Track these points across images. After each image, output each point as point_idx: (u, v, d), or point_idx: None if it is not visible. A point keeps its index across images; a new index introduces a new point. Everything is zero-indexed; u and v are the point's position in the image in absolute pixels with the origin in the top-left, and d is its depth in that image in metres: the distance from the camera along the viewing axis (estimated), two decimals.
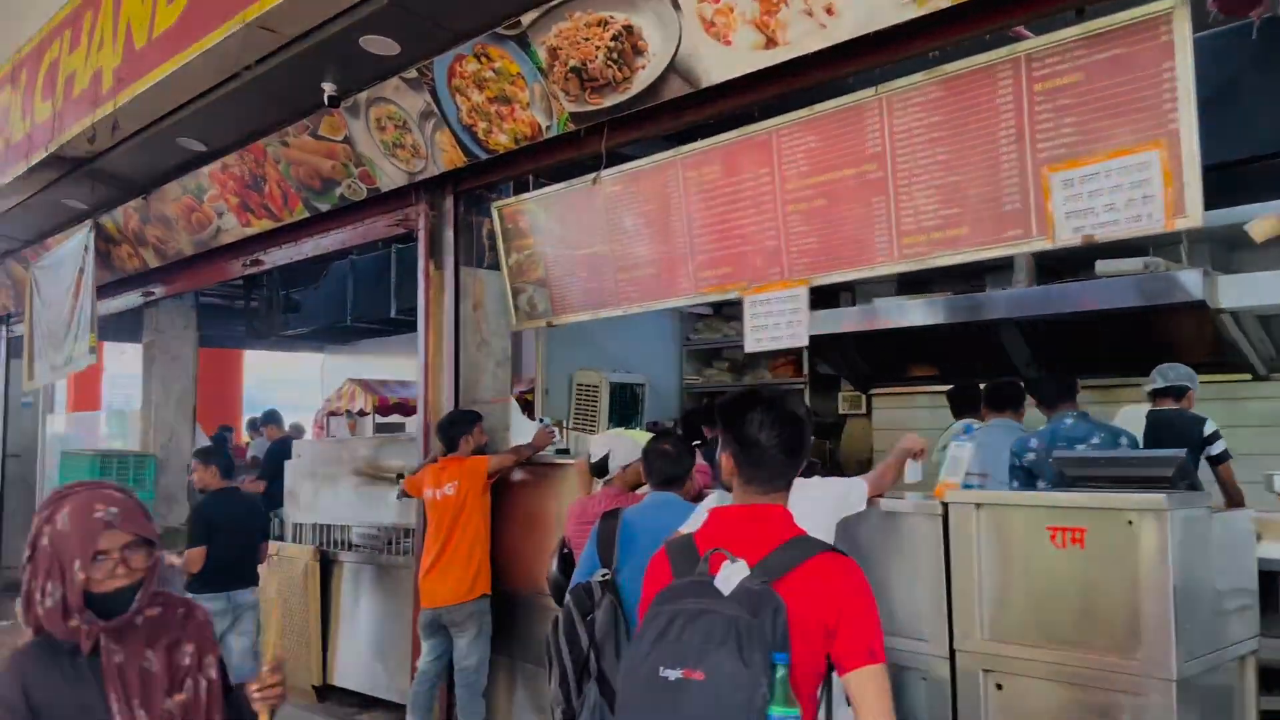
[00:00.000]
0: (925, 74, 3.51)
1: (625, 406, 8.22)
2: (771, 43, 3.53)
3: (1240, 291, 5.49)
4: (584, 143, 4.51)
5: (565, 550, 4.23)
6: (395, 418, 10.16)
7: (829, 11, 3.32)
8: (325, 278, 8.05)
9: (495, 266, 5.54)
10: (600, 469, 4.12)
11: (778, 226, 4.04)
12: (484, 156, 4.87)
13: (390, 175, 5.40)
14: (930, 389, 7.79)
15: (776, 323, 4.06)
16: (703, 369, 9.22)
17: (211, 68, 4.75)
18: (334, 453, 6.45)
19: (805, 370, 8.25)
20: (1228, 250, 6.14)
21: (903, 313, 6.76)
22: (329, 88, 4.87)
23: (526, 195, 5.16)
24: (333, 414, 10.04)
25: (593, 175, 4.56)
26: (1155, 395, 4.70)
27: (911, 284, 7.31)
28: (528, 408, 7.57)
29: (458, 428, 5.01)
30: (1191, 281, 5.45)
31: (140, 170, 6.67)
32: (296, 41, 4.37)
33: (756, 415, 2.14)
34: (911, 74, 3.54)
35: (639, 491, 4.00)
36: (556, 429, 5.38)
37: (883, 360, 7.88)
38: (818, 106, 3.87)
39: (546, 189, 5.04)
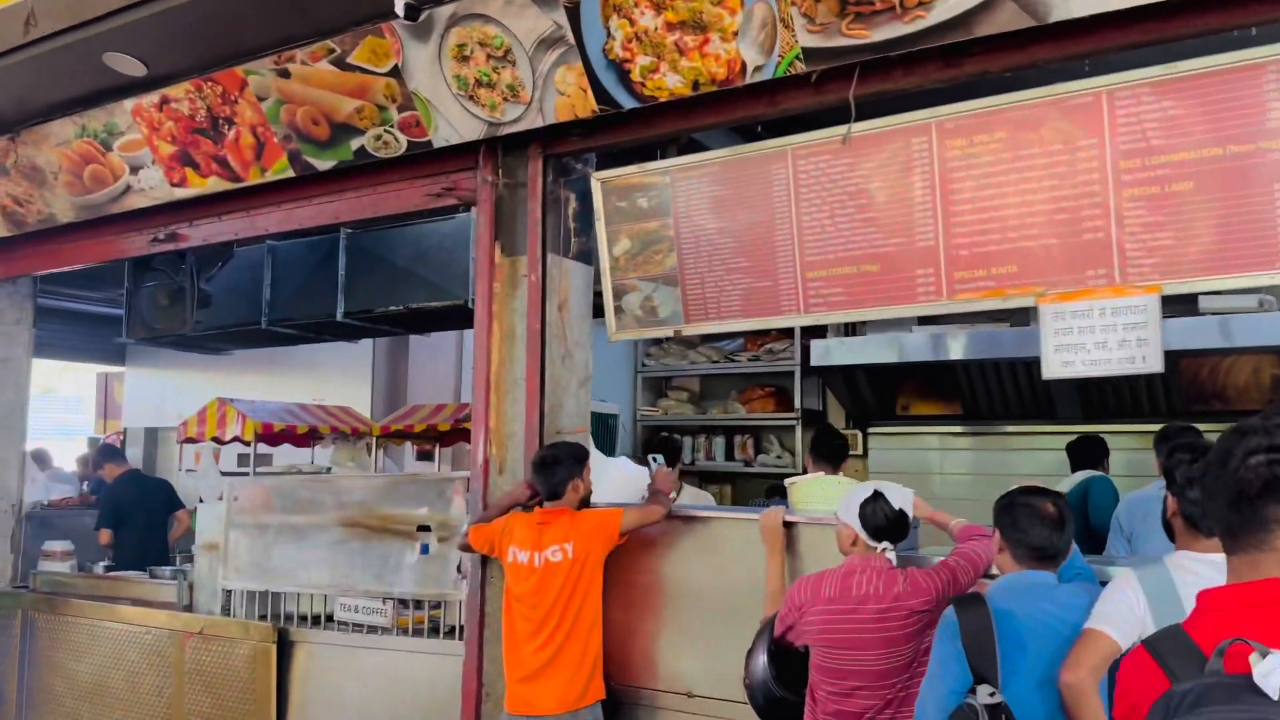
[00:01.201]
0: None
1: (599, 441, 6.96)
2: None
3: None
4: (821, 89, 3.37)
5: (782, 641, 3.07)
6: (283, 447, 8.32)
7: None
8: (223, 268, 6.28)
9: (580, 257, 4.24)
10: (898, 528, 2.98)
11: (1106, 215, 3.10)
12: (629, 106, 3.61)
13: (456, 125, 3.99)
14: (939, 429, 7.14)
15: (1102, 341, 3.10)
16: (657, 399, 8.12)
17: None
18: (302, 495, 4.79)
19: (797, 405, 7.34)
20: None
21: (967, 344, 6.03)
22: None
23: (667, 162, 3.93)
24: (189, 441, 8.03)
25: (841, 130, 3.42)
26: None
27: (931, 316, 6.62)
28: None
29: (563, 469, 3.66)
30: None
31: (12, 97, 4.79)
32: None
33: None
34: None
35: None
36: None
37: (893, 395, 7.12)
38: (1179, 65, 2.98)
39: (715, 153, 3.83)
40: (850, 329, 7.43)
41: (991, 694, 2.43)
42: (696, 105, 3.62)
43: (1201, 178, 2.96)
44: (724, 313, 3.84)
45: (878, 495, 3.01)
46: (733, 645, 3.54)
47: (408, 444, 9.38)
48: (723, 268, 3.82)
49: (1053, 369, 3.17)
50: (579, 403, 4.20)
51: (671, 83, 3.49)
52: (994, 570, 2.93)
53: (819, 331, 7.51)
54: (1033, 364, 6.09)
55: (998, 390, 6.54)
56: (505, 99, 3.81)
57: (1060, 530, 2.60)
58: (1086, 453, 5.39)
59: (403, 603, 4.42)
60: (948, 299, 3.37)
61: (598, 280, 4.27)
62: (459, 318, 5.74)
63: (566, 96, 3.69)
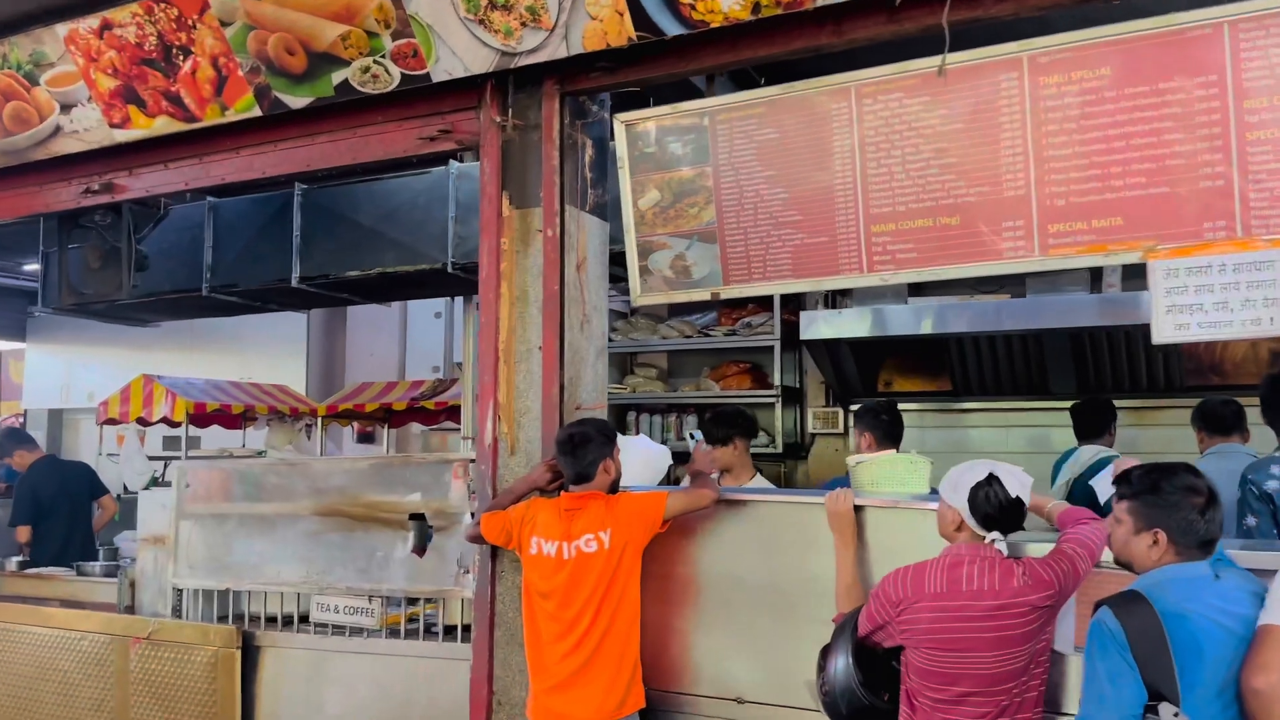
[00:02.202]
0: None
1: None
2: None
3: None
4: (899, 15, 2.97)
5: (866, 642, 2.70)
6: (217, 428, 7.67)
7: None
8: (155, 229, 5.58)
9: (597, 211, 3.77)
10: (1012, 517, 2.61)
11: (1226, 160, 2.78)
12: (674, 33, 3.16)
13: (461, 55, 3.47)
14: (928, 406, 6.86)
15: (1223, 301, 2.79)
16: (623, 376, 7.67)
17: None
18: (270, 481, 4.22)
19: (777, 381, 6.98)
20: None
21: (977, 316, 5.74)
22: None
23: (706, 102, 3.48)
24: (110, 422, 7.29)
25: (936, 61, 3.02)
26: None
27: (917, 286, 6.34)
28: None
29: (594, 448, 3.20)
30: None
31: None
32: None
33: None
34: None
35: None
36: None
37: (875, 371, 6.83)
38: None
39: (764, 91, 3.39)
40: (831, 301, 7.12)
41: (1175, 714, 2.08)
42: (746, 34, 3.18)
43: None
44: (770, 273, 3.42)
45: (992, 479, 2.63)
46: (788, 645, 3.16)
47: (348, 426, 8.80)
48: (770, 222, 3.40)
49: (1164, 333, 2.85)
50: (597, 375, 3.74)
51: (727, 5, 3.04)
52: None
53: (799, 304, 7.20)
54: (1030, 337, 6.01)
55: (990, 364, 6.29)
56: (524, 23, 3.31)
57: (1218, 512, 2.27)
58: (1094, 419, 5.08)
59: (393, 601, 3.90)
60: (1040, 255, 3.02)
61: (614, 239, 3.82)
62: (436, 283, 5.22)
63: (598, 21, 3.21)
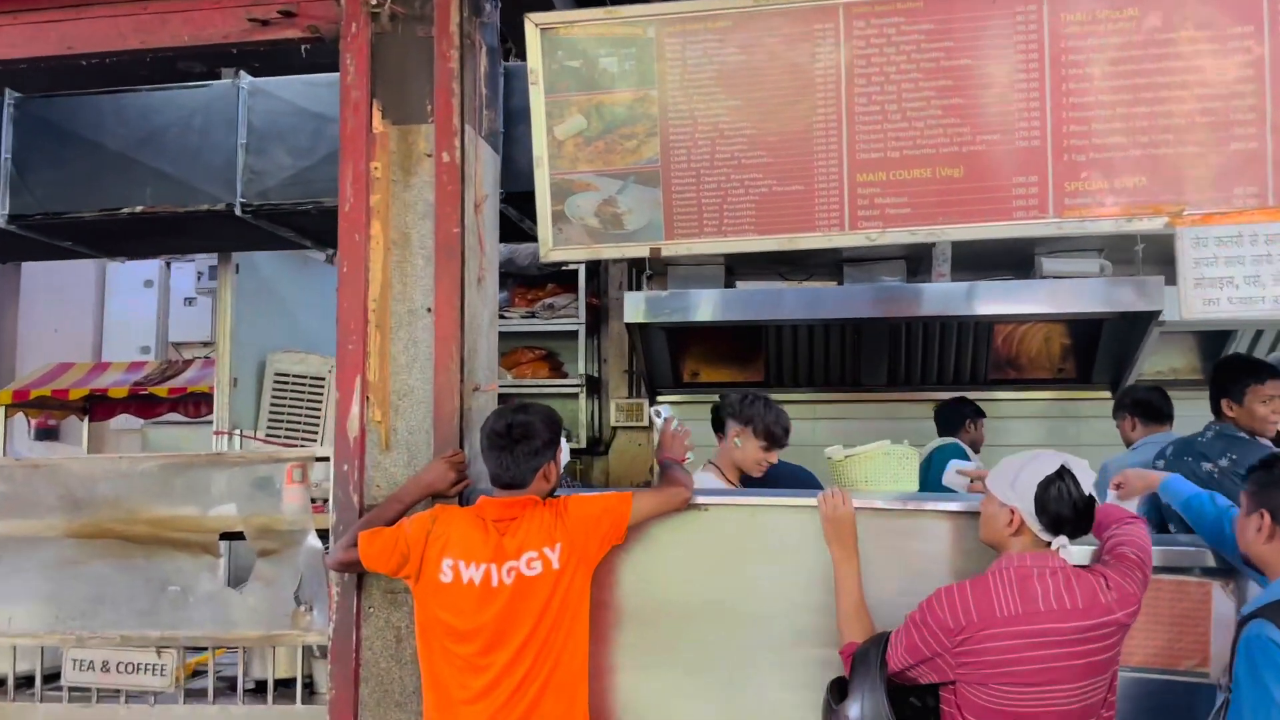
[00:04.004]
0: None
1: None
2: None
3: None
4: None
5: (899, 678, 2.22)
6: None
7: None
8: None
9: (489, 139, 2.96)
10: (1085, 520, 2.17)
11: (1260, 121, 2.54)
12: None
13: None
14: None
15: (1254, 275, 2.54)
16: None
17: None
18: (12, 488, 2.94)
19: (581, 370, 6.35)
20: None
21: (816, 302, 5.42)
22: None
23: (654, 8, 2.78)
24: None
25: None
26: None
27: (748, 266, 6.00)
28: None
29: (539, 446, 2.43)
30: (1154, 289, 5.07)
31: None
32: None
33: None
34: None
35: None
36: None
37: (687, 360, 6.40)
38: None
39: (730, 3, 2.74)
40: (635, 281, 6.60)
41: None
42: None
43: None
44: (727, 226, 2.80)
45: (1064, 473, 2.18)
46: (760, 681, 2.57)
47: (19, 418, 7.02)
48: (730, 164, 2.78)
49: (1192, 308, 2.57)
50: (491, 348, 2.94)
51: None
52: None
53: (601, 286, 6.63)
54: (849, 327, 5.83)
55: (805, 354, 6.06)
56: None
57: None
58: (950, 415, 4.96)
59: (198, 650, 2.85)
60: (1055, 216, 2.64)
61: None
62: (215, 231, 4.07)
63: None
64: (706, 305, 5.53)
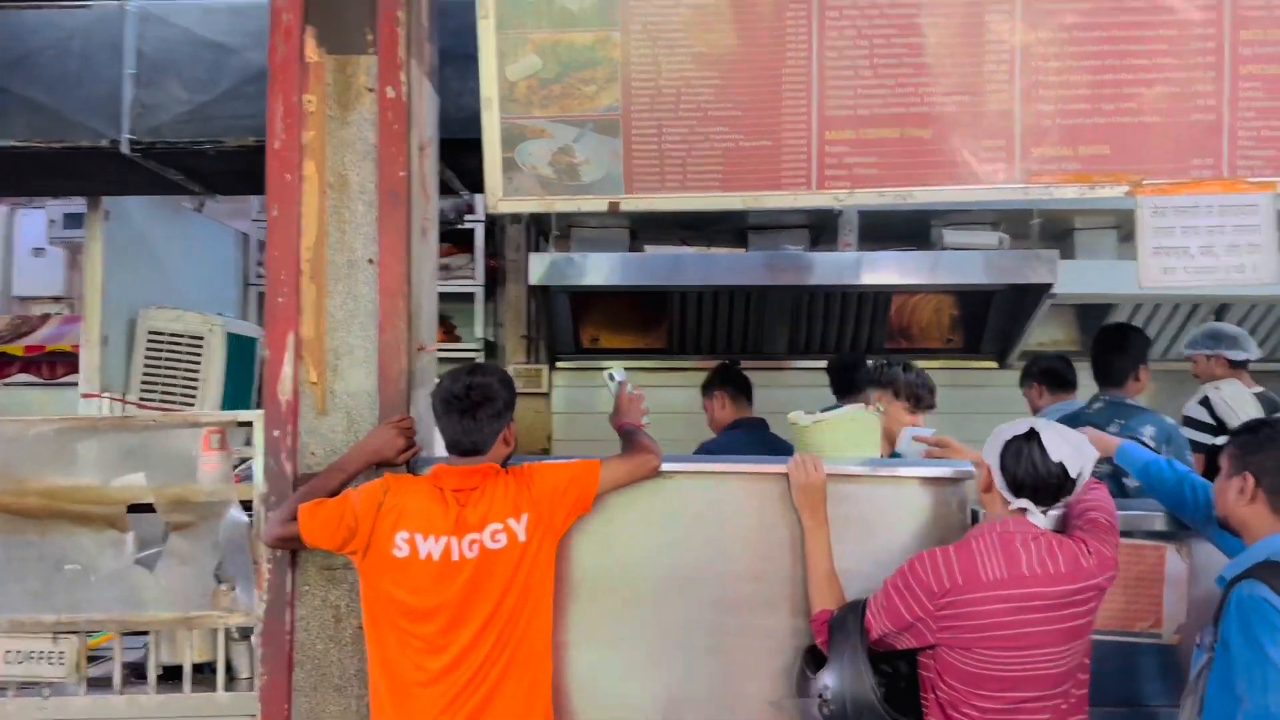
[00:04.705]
0: None
1: (240, 374, 5.08)
2: None
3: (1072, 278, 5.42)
4: None
5: (879, 645, 2.19)
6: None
7: None
8: None
9: (432, 79, 2.73)
10: (1049, 489, 2.16)
11: (1219, 93, 2.58)
12: None
13: None
14: (639, 365, 6.40)
15: (1208, 245, 2.60)
16: None
17: None
18: None
19: (479, 334, 6.11)
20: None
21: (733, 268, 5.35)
22: None
23: None
24: None
25: None
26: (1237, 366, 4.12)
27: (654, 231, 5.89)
28: None
29: (499, 409, 2.26)
30: (1048, 263, 5.25)
31: None
32: None
33: None
34: None
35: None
36: None
37: (586, 325, 6.25)
38: None
39: None
40: (534, 242, 6.40)
41: None
42: None
43: None
44: (691, 181, 2.67)
45: (1032, 435, 2.18)
46: (726, 652, 2.50)
47: None
48: (697, 115, 2.65)
49: (1151, 276, 2.61)
50: (432, 305, 2.72)
51: None
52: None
53: (497, 248, 6.38)
54: (754, 294, 5.79)
55: (709, 322, 6.00)
56: None
57: None
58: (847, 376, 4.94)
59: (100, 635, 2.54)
60: (1021, 182, 2.62)
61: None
62: (97, 172, 3.65)
63: None
64: (612, 269, 5.41)
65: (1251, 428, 2.08)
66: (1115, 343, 3.48)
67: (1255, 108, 2.58)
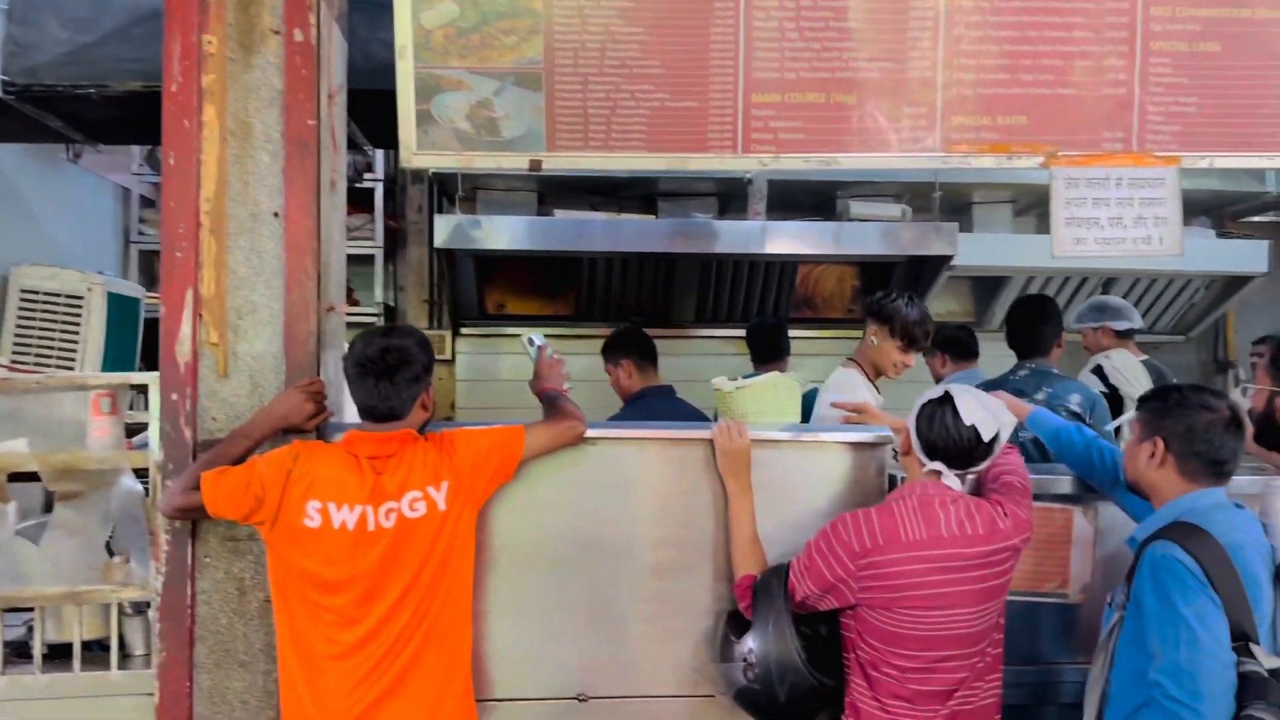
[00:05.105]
0: None
1: (122, 336, 4.79)
2: None
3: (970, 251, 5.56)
4: None
5: (803, 608, 2.21)
6: None
7: None
8: None
9: (340, 24, 2.59)
10: (962, 454, 2.19)
11: (1130, 68, 2.65)
12: None
13: None
14: (546, 331, 6.29)
15: (1117, 217, 2.67)
16: (156, 283, 5.95)
17: None
18: None
19: (379, 299, 5.93)
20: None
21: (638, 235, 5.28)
22: None
23: None
24: None
25: None
26: (1123, 336, 4.27)
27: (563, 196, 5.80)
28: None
29: (417, 372, 2.17)
30: (949, 235, 5.37)
31: None
32: None
33: None
34: None
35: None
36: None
37: (491, 290, 6.13)
38: None
39: None
40: (437, 204, 6.22)
41: (1268, 655, 1.86)
42: None
43: (1228, 40, 2.65)
44: (615, 140, 2.60)
45: (946, 399, 2.21)
46: (648, 619, 2.48)
47: None
48: (622, 71, 2.57)
49: (1063, 246, 2.66)
50: (341, 263, 2.59)
51: None
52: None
53: (398, 208, 6.18)
54: (664, 261, 5.75)
55: (618, 288, 5.95)
56: None
57: (1244, 438, 2.10)
58: (774, 343, 4.92)
59: None
60: (941, 150, 2.64)
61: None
62: None
63: None
64: (519, 233, 5.30)
65: (1161, 394, 2.14)
66: (1039, 313, 3.56)
67: (1164, 83, 2.65)
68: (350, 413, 2.31)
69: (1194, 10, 2.64)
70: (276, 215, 2.33)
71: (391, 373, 2.11)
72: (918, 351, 3.01)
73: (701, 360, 5.88)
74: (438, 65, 2.55)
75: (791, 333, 6.36)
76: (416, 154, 2.58)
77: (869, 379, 3.06)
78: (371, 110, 3.00)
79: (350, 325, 5.84)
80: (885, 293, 3.03)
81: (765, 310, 6.09)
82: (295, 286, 2.33)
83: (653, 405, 3.55)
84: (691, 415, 3.55)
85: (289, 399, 2.26)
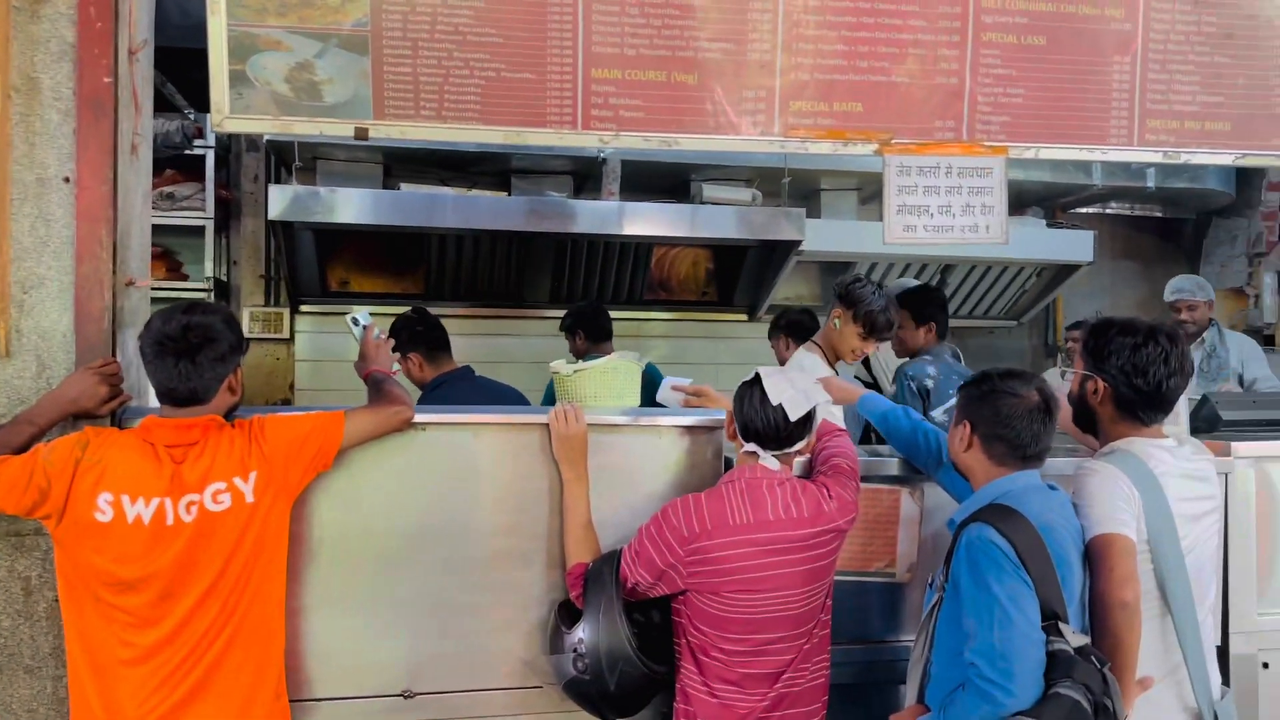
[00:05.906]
0: None
1: None
2: None
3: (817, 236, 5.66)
4: None
5: (632, 596, 2.19)
6: None
7: None
8: None
9: None
10: (775, 435, 2.19)
11: (962, 59, 2.70)
12: None
13: None
14: (385, 310, 6.07)
15: (946, 205, 2.72)
16: None
17: None
18: None
19: (209, 273, 5.57)
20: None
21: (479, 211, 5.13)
22: None
23: None
24: None
25: None
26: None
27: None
28: None
29: (222, 351, 2.02)
30: (797, 220, 5.46)
31: None
32: None
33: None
34: None
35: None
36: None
37: (334, 266, 5.88)
38: None
39: None
40: (275, 173, 5.90)
41: (1075, 633, 1.92)
42: None
43: (1053, 34, 2.74)
44: (448, 111, 2.48)
45: (756, 381, 2.21)
46: (478, 611, 2.40)
47: None
48: (454, 39, 2.46)
49: (894, 233, 2.71)
50: (144, 233, 2.38)
51: None
52: None
53: (232, 177, 5.83)
54: (518, 239, 5.64)
55: (469, 267, 5.79)
56: None
57: (1053, 423, 2.17)
58: (604, 325, 4.84)
59: None
60: (780, 135, 2.64)
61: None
62: None
63: None
64: (364, 206, 5.08)
65: (976, 381, 2.19)
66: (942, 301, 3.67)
67: (994, 74, 2.72)
68: (153, 397, 2.14)
69: (1024, 4, 2.71)
70: (68, 180, 2.13)
71: (193, 351, 1.95)
72: (878, 341, 3.06)
73: (557, 341, 5.79)
74: (254, 23, 2.37)
75: (645, 315, 6.37)
76: (229, 117, 2.40)
77: (829, 363, 3.08)
78: (193, 71, 2.78)
79: (175, 301, 5.51)
80: (855, 277, 3.07)
81: (620, 291, 6.05)
82: (88, 258, 2.13)
83: (449, 394, 3.34)
84: (499, 393, 3.40)
85: (80, 381, 2.06)
